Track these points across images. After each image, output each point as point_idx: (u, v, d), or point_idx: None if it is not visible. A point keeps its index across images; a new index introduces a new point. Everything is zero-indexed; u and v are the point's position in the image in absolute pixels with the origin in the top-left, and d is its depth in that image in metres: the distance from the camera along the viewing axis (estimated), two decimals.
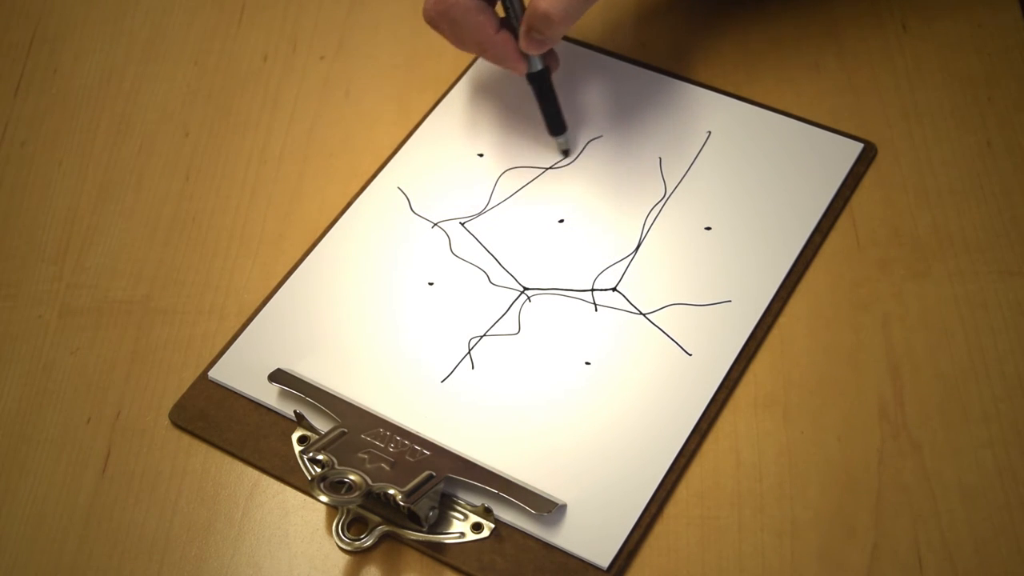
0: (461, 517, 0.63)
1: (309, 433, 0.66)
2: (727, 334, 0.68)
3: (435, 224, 0.74)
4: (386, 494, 0.61)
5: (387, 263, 0.73)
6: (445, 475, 0.63)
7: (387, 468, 0.63)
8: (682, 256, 0.71)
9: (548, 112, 0.76)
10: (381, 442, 0.64)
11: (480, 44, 0.73)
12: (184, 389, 0.69)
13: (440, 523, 0.63)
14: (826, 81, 0.79)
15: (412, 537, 0.63)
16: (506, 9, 0.74)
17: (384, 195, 0.76)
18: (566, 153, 0.77)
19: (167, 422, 0.68)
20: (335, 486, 0.62)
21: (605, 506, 0.63)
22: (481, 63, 0.81)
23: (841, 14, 0.82)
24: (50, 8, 0.89)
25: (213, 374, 0.69)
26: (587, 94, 0.79)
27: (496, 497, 0.63)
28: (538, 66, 0.74)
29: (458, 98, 0.80)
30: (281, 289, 0.72)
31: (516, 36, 0.73)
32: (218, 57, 0.85)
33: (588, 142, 0.77)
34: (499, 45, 0.73)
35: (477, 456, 0.64)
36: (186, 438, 0.68)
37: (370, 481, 0.62)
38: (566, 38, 0.82)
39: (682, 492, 0.64)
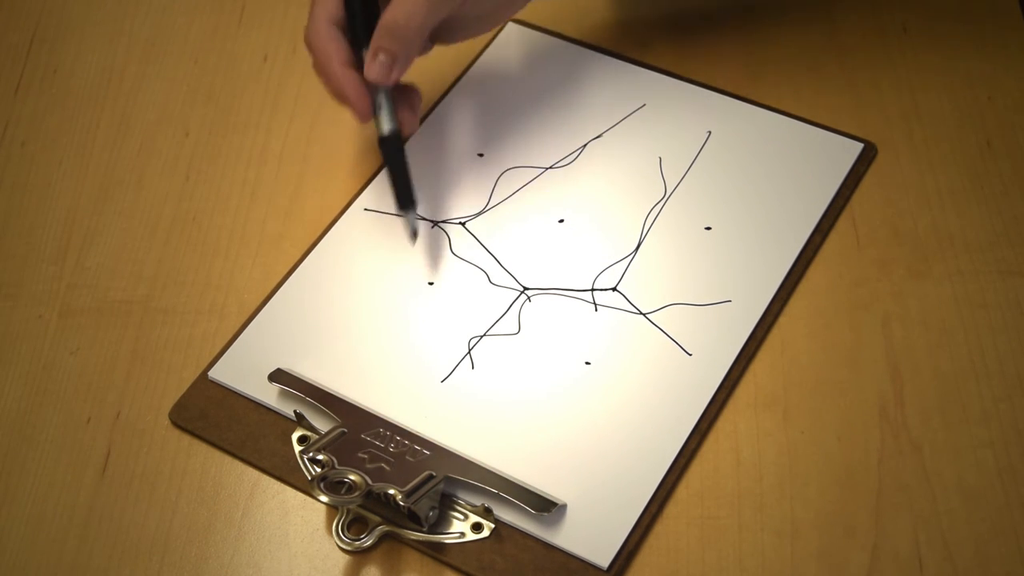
0: (461, 517, 0.63)
1: (309, 433, 0.66)
2: (727, 334, 0.68)
3: (435, 224, 0.74)
4: (386, 494, 0.61)
5: (387, 263, 0.73)
6: (445, 475, 0.63)
7: (387, 468, 0.63)
8: (682, 256, 0.71)
9: (396, 183, 0.71)
10: (381, 442, 0.64)
11: (326, 74, 0.71)
12: (184, 389, 0.69)
13: (440, 523, 0.63)
14: (826, 81, 0.79)
15: (412, 537, 0.63)
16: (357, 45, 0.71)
17: (384, 195, 0.76)
18: (414, 235, 0.71)
19: (167, 422, 0.68)
20: (335, 486, 0.62)
21: (605, 506, 0.63)
22: (481, 63, 0.81)
23: (841, 15, 0.82)
24: (50, 8, 0.89)
25: (213, 374, 0.69)
26: (587, 94, 0.79)
27: (496, 497, 0.63)
28: (387, 129, 0.70)
29: (458, 98, 0.80)
30: (281, 289, 0.72)
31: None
32: (218, 57, 0.85)
33: (588, 142, 0.77)
34: (341, 79, 0.69)
35: (477, 456, 0.64)
36: (186, 438, 0.67)
37: (370, 481, 0.62)
38: (566, 37, 0.82)
39: (682, 492, 0.64)
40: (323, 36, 0.71)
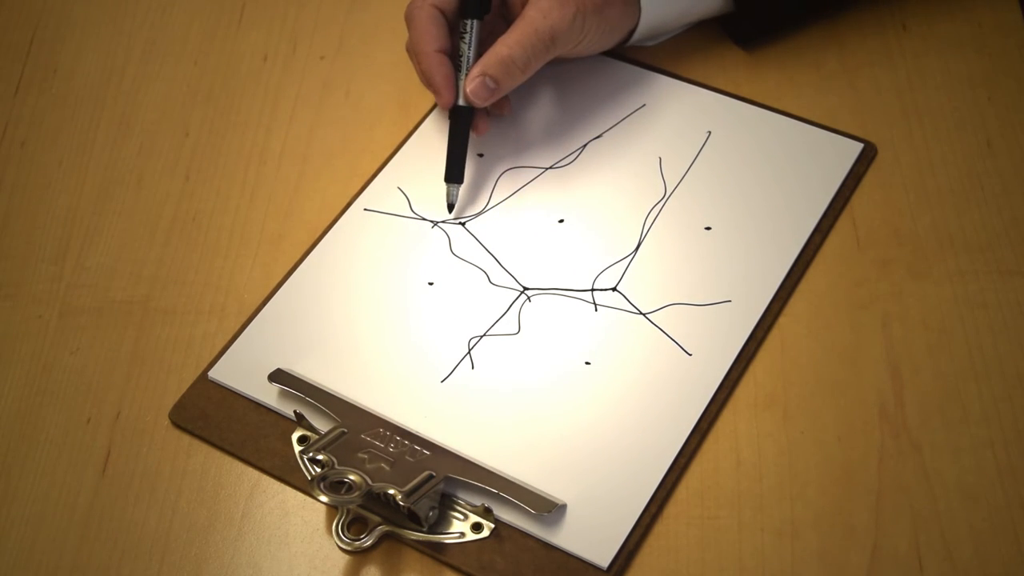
0: (461, 517, 0.63)
1: (309, 433, 0.66)
2: (727, 334, 0.68)
3: (435, 224, 0.74)
4: (386, 494, 0.61)
5: (387, 263, 0.73)
6: (445, 475, 0.63)
7: (387, 468, 0.63)
8: (682, 256, 0.71)
9: (453, 155, 0.73)
10: (381, 442, 0.64)
11: (417, 54, 0.73)
12: (184, 389, 0.69)
13: (440, 523, 0.63)
14: (826, 81, 0.79)
15: (412, 537, 0.63)
16: (459, 43, 0.73)
17: (384, 195, 0.76)
18: (451, 208, 0.74)
19: (167, 422, 0.68)
20: (335, 486, 0.62)
21: (605, 506, 0.63)
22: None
23: (841, 14, 0.82)
24: (50, 8, 0.89)
25: (213, 374, 0.69)
26: (587, 94, 0.79)
27: (496, 497, 0.63)
28: (463, 101, 0.73)
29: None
30: (281, 289, 0.72)
31: (457, 72, 0.73)
32: (218, 57, 0.85)
33: (588, 142, 0.77)
34: (433, 65, 0.72)
35: (477, 456, 0.64)
36: (186, 438, 0.68)
37: (370, 481, 0.62)
38: None
39: (682, 492, 0.64)
40: (425, 17, 0.73)
